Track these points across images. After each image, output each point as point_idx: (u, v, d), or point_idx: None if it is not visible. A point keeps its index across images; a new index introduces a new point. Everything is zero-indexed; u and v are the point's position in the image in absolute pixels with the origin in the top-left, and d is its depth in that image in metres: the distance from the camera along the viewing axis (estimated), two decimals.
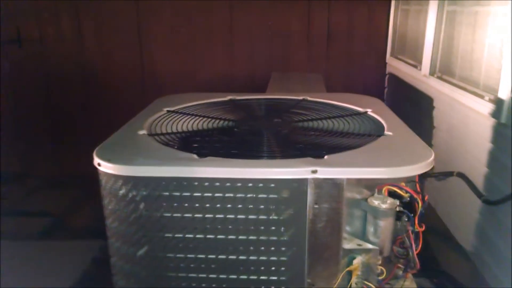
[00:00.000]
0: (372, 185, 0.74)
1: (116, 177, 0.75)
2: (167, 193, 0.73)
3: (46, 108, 2.35)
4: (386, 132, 0.91)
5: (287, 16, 2.29)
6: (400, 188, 0.74)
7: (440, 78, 1.66)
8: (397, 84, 2.20)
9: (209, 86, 2.32)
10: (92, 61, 2.32)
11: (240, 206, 0.73)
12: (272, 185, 0.72)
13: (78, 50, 2.29)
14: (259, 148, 0.83)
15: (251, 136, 0.94)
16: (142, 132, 0.93)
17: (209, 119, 1.08)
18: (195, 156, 0.77)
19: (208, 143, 0.89)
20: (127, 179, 0.74)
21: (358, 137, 0.90)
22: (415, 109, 1.90)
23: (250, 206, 0.73)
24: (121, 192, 0.75)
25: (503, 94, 1.11)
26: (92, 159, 0.77)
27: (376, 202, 0.74)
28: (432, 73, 1.73)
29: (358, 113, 1.09)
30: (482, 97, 1.28)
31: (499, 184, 1.11)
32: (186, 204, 0.74)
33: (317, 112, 1.12)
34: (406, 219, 0.75)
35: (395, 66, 2.23)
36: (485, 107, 1.23)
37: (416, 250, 0.76)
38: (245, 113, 1.13)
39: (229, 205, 0.73)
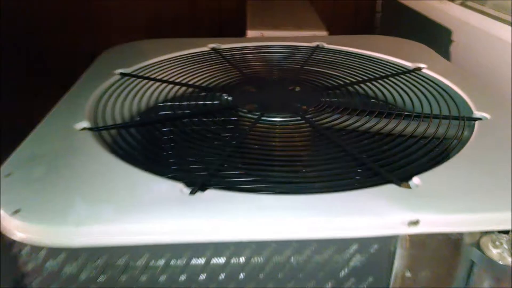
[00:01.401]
0: None
1: (35, 248, 0.39)
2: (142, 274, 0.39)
3: None
4: (477, 113, 0.58)
5: None
6: None
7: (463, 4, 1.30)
8: (397, 10, 1.82)
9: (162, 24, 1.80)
10: None
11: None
12: (332, 249, 0.39)
13: None
14: (289, 162, 0.48)
15: (266, 130, 0.58)
16: (82, 124, 0.55)
17: (189, 89, 0.70)
18: (184, 189, 0.42)
19: (197, 147, 0.52)
20: (55, 251, 0.38)
21: (433, 124, 0.56)
22: (424, 43, 1.55)
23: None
24: (48, 267, 0.40)
25: None
26: None
27: (495, 252, 0.43)
28: None
29: (407, 71, 0.74)
30: None
31: None
32: None
33: (345, 70, 0.76)
34: None
35: None
36: None
37: None
38: (241, 76, 0.75)
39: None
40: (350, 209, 0.39)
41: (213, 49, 0.87)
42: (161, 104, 0.67)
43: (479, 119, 0.56)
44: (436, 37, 1.46)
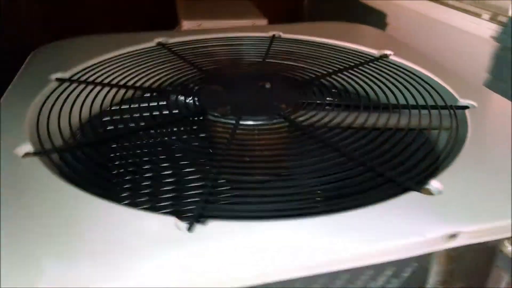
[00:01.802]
0: None
1: None
2: None
3: None
4: (463, 101, 0.56)
5: None
6: None
7: None
8: None
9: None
10: None
11: None
12: (366, 276, 0.34)
13: None
14: (289, 177, 0.41)
15: (249, 138, 0.51)
16: (25, 148, 0.44)
17: (142, 93, 0.61)
18: (179, 223, 0.34)
19: (176, 167, 0.44)
20: None
21: (423, 116, 0.53)
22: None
23: None
24: None
25: None
26: None
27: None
28: None
29: (374, 59, 0.71)
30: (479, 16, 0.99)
31: None
32: None
33: (311, 61, 0.71)
34: None
35: None
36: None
37: None
38: (200, 73, 0.67)
39: None
40: (381, 230, 0.34)
41: (160, 44, 0.77)
42: (114, 109, 0.57)
43: (467, 107, 0.54)
44: (369, 20, 1.47)
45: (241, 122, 0.52)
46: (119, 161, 0.46)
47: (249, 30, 0.86)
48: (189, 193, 0.39)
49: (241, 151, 0.46)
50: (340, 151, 0.45)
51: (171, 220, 0.35)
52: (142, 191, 0.40)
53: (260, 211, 0.36)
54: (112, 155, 0.47)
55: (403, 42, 0.79)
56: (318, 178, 0.40)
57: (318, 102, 0.56)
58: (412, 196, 0.38)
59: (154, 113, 0.54)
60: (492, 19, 1.02)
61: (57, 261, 0.31)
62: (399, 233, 0.34)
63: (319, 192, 0.38)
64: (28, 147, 0.45)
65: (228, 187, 0.40)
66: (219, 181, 0.40)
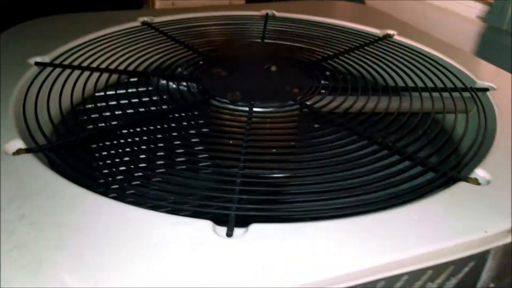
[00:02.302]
0: None
1: None
2: None
3: None
4: (481, 83, 0.53)
5: None
6: None
7: None
8: None
9: None
10: None
11: None
12: (425, 277, 0.31)
13: None
14: (322, 169, 0.37)
15: (266, 126, 0.46)
16: (15, 145, 0.38)
17: (140, 77, 0.55)
18: (217, 228, 0.30)
19: (193, 160, 0.39)
20: None
21: (446, 99, 0.50)
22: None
23: None
24: None
25: None
26: None
27: None
28: None
29: (378, 39, 0.67)
30: None
31: None
32: None
33: (312, 41, 0.67)
34: None
35: None
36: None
37: None
38: (198, 56, 0.61)
39: None
40: (439, 229, 0.31)
41: (145, 23, 0.70)
42: (108, 95, 0.51)
43: (487, 89, 0.52)
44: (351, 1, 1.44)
45: (254, 109, 0.47)
46: (125, 155, 0.40)
47: (239, 9, 0.80)
48: (218, 193, 0.34)
49: (263, 142, 0.42)
50: (370, 139, 0.42)
51: (207, 225, 0.30)
52: (163, 190, 0.35)
53: (300, 211, 0.32)
54: (115, 148, 0.42)
55: (403, 21, 0.77)
56: (357, 169, 0.37)
57: (333, 85, 0.52)
58: (460, 188, 0.35)
59: (155, 98, 0.48)
60: None
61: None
62: (459, 231, 0.31)
63: (360, 186, 0.35)
64: (19, 143, 0.39)
65: (259, 184, 0.36)
66: (248, 178, 0.36)
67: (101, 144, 0.41)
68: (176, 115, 0.48)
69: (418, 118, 0.45)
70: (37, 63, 0.55)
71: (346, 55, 0.62)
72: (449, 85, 0.53)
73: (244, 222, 0.32)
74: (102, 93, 0.52)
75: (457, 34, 1.03)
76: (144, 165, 0.38)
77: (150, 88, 0.52)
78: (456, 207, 0.33)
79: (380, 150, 0.40)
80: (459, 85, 0.53)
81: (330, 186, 0.35)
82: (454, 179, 0.36)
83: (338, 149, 0.40)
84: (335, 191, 0.35)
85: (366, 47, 0.65)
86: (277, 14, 0.77)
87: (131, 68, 0.57)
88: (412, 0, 1.21)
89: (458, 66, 0.57)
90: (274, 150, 0.39)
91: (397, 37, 0.68)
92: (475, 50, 0.93)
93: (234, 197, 0.33)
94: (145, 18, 0.71)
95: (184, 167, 0.38)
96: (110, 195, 0.33)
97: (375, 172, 0.37)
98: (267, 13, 0.77)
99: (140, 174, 0.37)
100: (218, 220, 0.32)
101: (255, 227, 0.30)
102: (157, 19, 0.72)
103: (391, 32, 0.69)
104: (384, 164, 0.38)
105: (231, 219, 0.31)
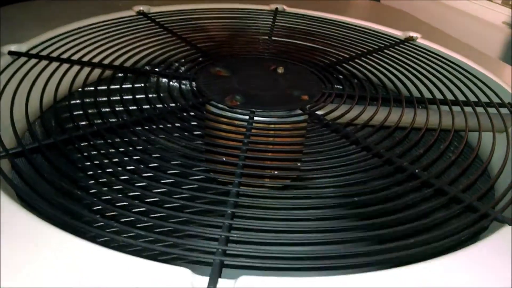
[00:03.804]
0: None
1: None
2: None
3: None
4: None
5: None
6: None
7: None
8: None
9: None
10: None
11: None
12: None
13: None
14: (335, 199, 0.30)
15: (265, 139, 0.39)
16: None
17: (126, 73, 0.48)
18: (195, 279, 0.22)
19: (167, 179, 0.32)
20: None
21: (481, 115, 0.42)
22: None
23: None
24: None
25: None
26: None
27: None
28: None
29: (400, 42, 0.60)
30: None
31: None
32: None
33: (325, 41, 0.60)
34: None
35: None
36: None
37: None
38: (197, 52, 0.54)
39: None
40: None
41: (141, 13, 0.63)
42: (87, 91, 0.44)
43: None
44: None
45: (256, 118, 0.40)
46: (97, 168, 0.33)
47: (245, 1, 0.73)
48: (201, 229, 0.27)
49: (262, 161, 0.35)
50: (392, 163, 0.35)
51: (184, 274, 0.23)
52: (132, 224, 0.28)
53: (310, 258, 0.25)
54: (85, 162, 0.35)
55: (427, 23, 0.69)
56: (378, 205, 0.29)
57: (349, 93, 0.45)
58: (507, 232, 0.28)
59: (146, 98, 0.41)
60: (504, 3, 0.94)
61: None
62: None
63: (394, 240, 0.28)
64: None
65: (255, 217, 0.28)
66: (242, 210, 0.28)
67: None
68: (161, 121, 0.41)
69: (450, 137, 0.38)
70: (11, 52, 0.48)
71: (363, 58, 0.55)
72: (484, 99, 0.45)
73: (233, 265, 0.25)
74: (80, 90, 0.45)
75: (480, 40, 0.95)
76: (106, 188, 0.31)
77: (136, 86, 0.45)
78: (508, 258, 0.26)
79: (408, 179, 0.33)
80: (495, 99, 0.45)
81: (341, 223, 0.28)
82: (497, 220, 0.29)
83: (351, 175, 0.33)
84: (344, 229, 0.27)
85: (386, 50, 0.57)
86: (288, 9, 0.70)
87: (118, 62, 0.50)
88: (429, 0, 1.13)
89: (493, 77, 0.50)
90: (276, 172, 0.32)
91: (421, 41, 0.60)
92: (501, 59, 0.86)
93: (221, 235, 0.26)
94: (141, 7, 0.64)
95: (158, 191, 0.31)
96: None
97: (402, 209, 0.30)
98: (276, 8, 0.69)
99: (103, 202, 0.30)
100: (200, 262, 0.25)
101: (245, 280, 0.23)
102: (155, 9, 0.65)
103: (414, 34, 0.61)
104: (412, 199, 0.30)
105: (215, 266, 0.24)
